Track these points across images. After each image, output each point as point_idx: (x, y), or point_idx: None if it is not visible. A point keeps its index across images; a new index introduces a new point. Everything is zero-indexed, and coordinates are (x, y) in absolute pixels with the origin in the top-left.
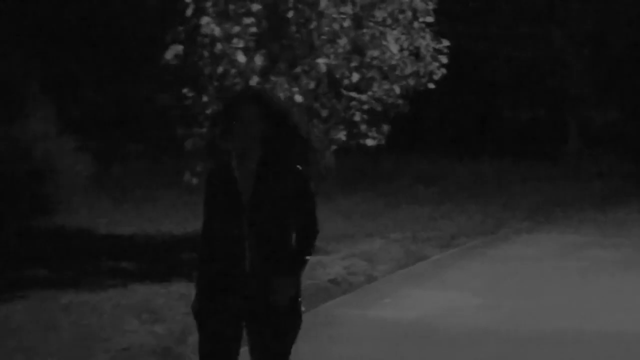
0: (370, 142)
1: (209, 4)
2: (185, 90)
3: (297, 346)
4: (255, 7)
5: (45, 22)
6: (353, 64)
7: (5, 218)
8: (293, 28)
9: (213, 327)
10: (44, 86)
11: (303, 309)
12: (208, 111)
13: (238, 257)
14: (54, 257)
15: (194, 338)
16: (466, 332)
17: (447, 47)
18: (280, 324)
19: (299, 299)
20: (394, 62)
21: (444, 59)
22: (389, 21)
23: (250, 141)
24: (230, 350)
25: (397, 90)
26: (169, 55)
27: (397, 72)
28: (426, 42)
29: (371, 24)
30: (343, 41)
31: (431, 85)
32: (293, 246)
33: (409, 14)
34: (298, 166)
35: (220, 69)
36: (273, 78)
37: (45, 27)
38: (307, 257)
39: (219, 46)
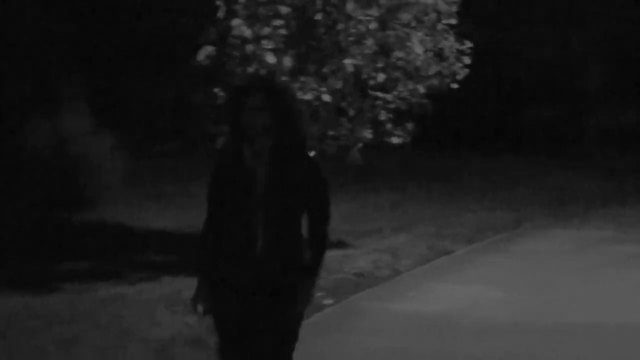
0: (395, 140)
1: (239, 7)
2: (216, 90)
3: (325, 337)
4: (285, 9)
5: (84, 23)
6: (379, 65)
7: (44, 212)
8: (321, 30)
9: (233, 325)
10: (82, 84)
11: (329, 301)
12: None
13: (249, 244)
14: (91, 251)
15: None
16: (488, 324)
17: (470, 48)
18: (288, 322)
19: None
20: (418, 63)
21: (467, 60)
22: (413, 23)
23: (260, 129)
24: (252, 346)
25: (422, 90)
26: (201, 55)
27: (422, 73)
28: (449, 43)
29: (396, 26)
30: (369, 42)
31: (454, 85)
32: (305, 240)
33: (433, 16)
34: (308, 153)
35: (250, 69)
36: (301, 78)
37: (84, 28)
38: (324, 255)
39: (249, 47)
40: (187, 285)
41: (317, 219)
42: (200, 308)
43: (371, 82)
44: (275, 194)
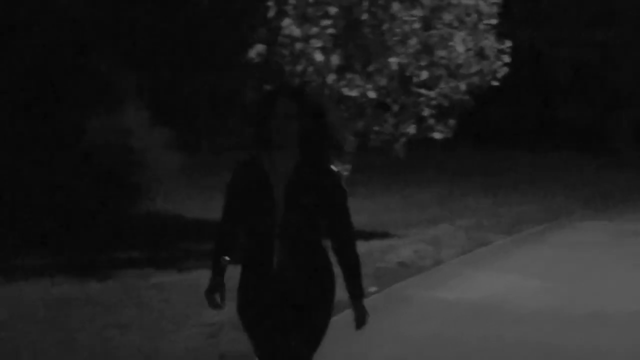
0: (437, 136)
1: (289, 7)
2: (267, 87)
3: (371, 323)
4: (333, 10)
5: (142, 22)
6: (422, 63)
7: (103, 204)
8: (367, 29)
9: (264, 329)
10: (140, 82)
11: (374, 288)
12: None
13: (266, 255)
14: (146, 240)
15: None
16: (526, 311)
17: (510, 47)
18: (312, 328)
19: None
20: (460, 61)
21: (507, 59)
22: (455, 23)
23: (287, 138)
24: (287, 344)
25: (463, 87)
26: (253, 53)
27: (463, 71)
28: (490, 42)
29: (439, 25)
30: (413, 42)
31: (494, 83)
32: (328, 255)
33: (475, 16)
34: (332, 166)
35: (299, 67)
36: (348, 75)
37: (141, 27)
38: (360, 272)
39: (298, 46)
40: (236, 273)
41: (342, 240)
42: (217, 299)
43: (415, 80)
44: (294, 207)
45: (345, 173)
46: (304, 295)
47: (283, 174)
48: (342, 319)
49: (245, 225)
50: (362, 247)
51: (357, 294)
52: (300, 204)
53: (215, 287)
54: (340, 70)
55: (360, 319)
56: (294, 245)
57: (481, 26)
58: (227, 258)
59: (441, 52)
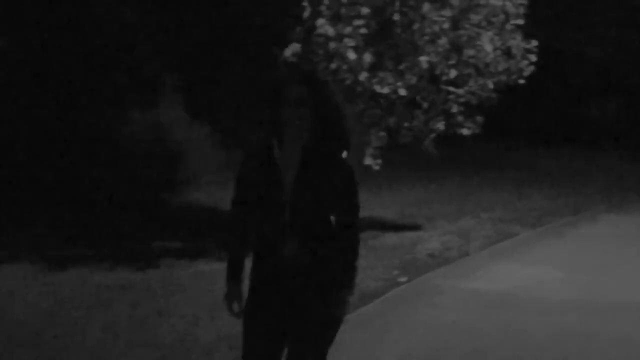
0: (465, 132)
1: (324, 8)
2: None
3: (401, 311)
4: (365, 10)
5: (182, 21)
6: (451, 62)
7: (144, 195)
8: (398, 29)
9: (259, 323)
10: (179, 77)
11: (404, 278)
12: None
13: (276, 245)
14: (185, 230)
15: None
16: (550, 302)
17: (536, 46)
18: (321, 327)
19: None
20: (488, 60)
21: (533, 58)
22: (483, 23)
23: (299, 124)
24: (274, 348)
25: (490, 85)
26: (288, 52)
27: (491, 69)
28: (517, 42)
29: (468, 25)
30: (443, 41)
31: (521, 81)
32: (341, 247)
33: (502, 17)
34: (343, 155)
35: (333, 65)
36: (380, 73)
37: (179, 24)
38: (356, 259)
39: (332, 45)
40: None
41: (345, 222)
42: (235, 307)
43: (444, 78)
44: (304, 196)
45: (376, 167)
46: (316, 282)
47: (293, 161)
48: (372, 308)
49: (256, 214)
50: (392, 238)
51: (350, 283)
52: (310, 190)
53: (232, 295)
54: (372, 69)
55: (343, 312)
56: (305, 231)
57: (508, 26)
58: (242, 262)
59: (469, 51)
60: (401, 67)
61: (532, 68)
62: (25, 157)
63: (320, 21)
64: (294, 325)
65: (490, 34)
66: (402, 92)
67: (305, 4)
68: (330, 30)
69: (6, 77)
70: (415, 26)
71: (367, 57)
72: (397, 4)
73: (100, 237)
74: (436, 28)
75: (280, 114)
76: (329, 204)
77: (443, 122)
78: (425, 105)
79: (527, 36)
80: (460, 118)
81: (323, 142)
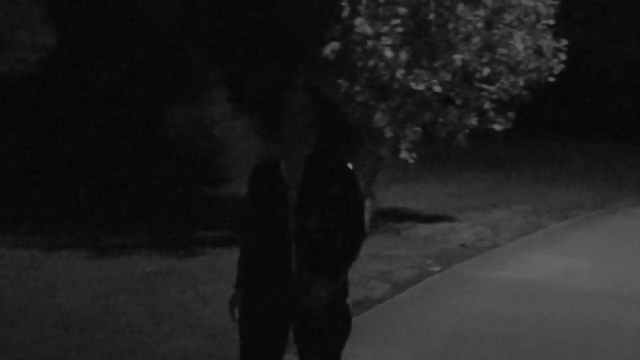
0: (497, 127)
1: (362, 7)
2: (340, 81)
3: (434, 299)
4: (402, 10)
5: (225, 18)
6: (484, 60)
7: (189, 186)
8: (433, 28)
9: (256, 329)
10: (223, 75)
11: (437, 268)
12: (359, 98)
13: (284, 259)
14: (227, 220)
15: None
16: (578, 291)
17: (566, 45)
18: (327, 330)
19: (347, 303)
20: (519, 59)
21: (563, 56)
22: (515, 23)
23: (301, 132)
24: (272, 353)
25: (522, 82)
26: (327, 50)
27: (522, 67)
28: (547, 41)
29: (500, 25)
30: (476, 40)
31: (551, 79)
32: (338, 248)
33: (533, 17)
34: (349, 164)
35: (370, 63)
36: (416, 71)
37: (225, 23)
38: (351, 260)
39: (370, 43)
40: None
41: (350, 237)
42: (237, 313)
43: (477, 75)
44: (311, 208)
45: (411, 161)
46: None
47: (298, 169)
48: (406, 296)
49: (261, 226)
50: (425, 229)
51: (331, 269)
52: (314, 201)
53: (235, 301)
54: (408, 66)
55: (317, 300)
56: (311, 244)
57: (539, 26)
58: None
59: (502, 50)
60: (436, 64)
61: (562, 66)
62: (76, 152)
63: (358, 20)
64: (297, 334)
65: (521, 33)
66: (437, 88)
67: (344, 3)
68: (368, 29)
69: (57, 74)
70: (450, 25)
71: (404, 55)
72: (433, 4)
73: (145, 227)
74: (470, 27)
75: (283, 121)
76: (334, 213)
77: (476, 118)
78: (458, 101)
79: (558, 35)
80: (492, 114)
81: (327, 148)
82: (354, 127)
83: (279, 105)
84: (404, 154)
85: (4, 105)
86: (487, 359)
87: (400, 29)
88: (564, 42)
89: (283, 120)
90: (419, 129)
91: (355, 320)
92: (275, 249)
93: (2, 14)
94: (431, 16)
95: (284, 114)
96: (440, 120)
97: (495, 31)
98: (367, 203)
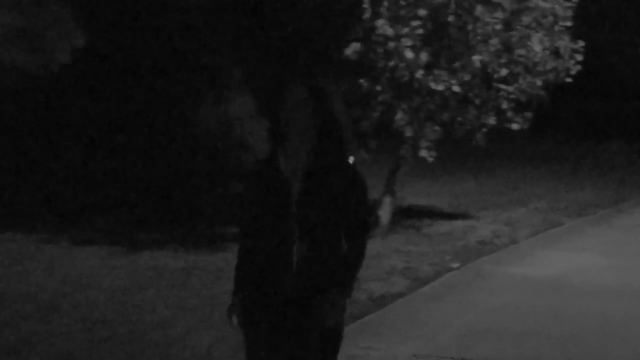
0: (515, 127)
1: (383, 9)
2: (361, 81)
3: (454, 294)
4: (422, 12)
5: (249, 19)
6: (502, 61)
7: (213, 183)
8: (453, 30)
9: (262, 332)
10: (244, 76)
11: (456, 264)
12: (380, 98)
13: (285, 259)
14: None
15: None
16: (594, 288)
17: (582, 47)
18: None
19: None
20: (537, 60)
21: (580, 57)
22: (533, 25)
23: (298, 128)
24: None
25: (539, 83)
26: (349, 51)
27: (540, 68)
28: (565, 42)
29: (518, 27)
30: (494, 41)
31: (568, 80)
32: (345, 251)
33: (551, 18)
34: (350, 158)
35: (391, 63)
36: (435, 71)
37: (248, 23)
38: (359, 268)
39: (390, 44)
40: None
41: (355, 229)
42: (235, 320)
43: (495, 76)
44: (312, 205)
45: (431, 159)
46: (322, 292)
47: (298, 167)
48: (426, 291)
49: (262, 226)
50: (444, 226)
51: (343, 284)
52: (317, 198)
53: (234, 308)
54: (428, 67)
55: (329, 316)
56: (313, 241)
57: (557, 28)
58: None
59: (520, 51)
60: (455, 65)
61: (578, 67)
62: (103, 149)
63: (379, 22)
64: (293, 331)
65: (539, 34)
66: (456, 88)
67: (365, 5)
68: (389, 31)
69: (86, 74)
70: (469, 27)
71: (424, 56)
72: (452, 6)
73: (171, 223)
74: (488, 29)
75: (280, 117)
76: (337, 211)
77: (494, 118)
78: (477, 101)
79: (575, 37)
80: (510, 114)
81: (328, 145)
82: (349, 124)
83: (277, 101)
84: (423, 153)
85: (34, 104)
86: (506, 353)
87: (420, 31)
88: (581, 43)
89: (281, 116)
90: (438, 128)
91: (376, 314)
92: (276, 247)
93: (32, 14)
94: (451, 18)
95: (281, 109)
96: (459, 119)
97: (513, 33)
98: (388, 200)
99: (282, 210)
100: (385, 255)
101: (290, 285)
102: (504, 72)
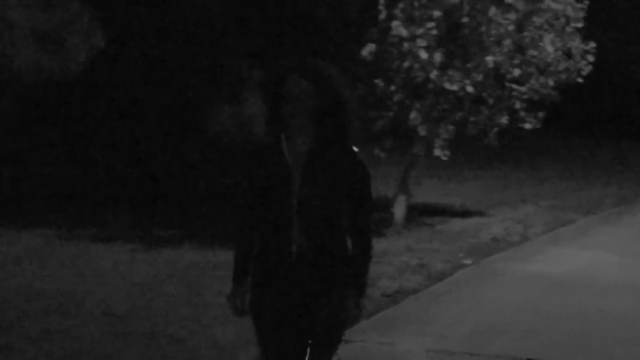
0: (527, 126)
1: (398, 11)
2: (377, 81)
3: (467, 290)
4: (436, 13)
5: (265, 19)
6: (515, 61)
7: (231, 181)
8: (466, 31)
9: (273, 321)
10: (262, 74)
11: (469, 261)
12: (395, 98)
13: (284, 243)
14: None
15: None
16: (604, 284)
17: (594, 48)
18: (325, 327)
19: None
20: (549, 60)
21: (591, 58)
22: (545, 26)
23: (302, 118)
24: (293, 342)
25: (551, 83)
26: (365, 52)
27: (552, 68)
28: (576, 43)
29: (531, 28)
30: (507, 42)
31: (579, 80)
32: (350, 249)
33: (562, 20)
34: (354, 148)
35: (406, 64)
36: (449, 72)
37: (265, 23)
38: (369, 262)
39: (405, 45)
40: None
41: (358, 224)
42: (239, 306)
43: (508, 76)
44: (313, 193)
45: (444, 158)
46: (324, 280)
47: (300, 155)
48: (440, 288)
49: (263, 212)
50: (457, 224)
51: (358, 283)
52: (319, 184)
53: (236, 294)
54: (442, 67)
55: (351, 315)
56: (313, 227)
57: (568, 29)
58: (248, 261)
59: (532, 52)
60: (469, 65)
61: (590, 68)
62: (124, 148)
63: (394, 23)
64: (301, 324)
65: (551, 36)
66: (469, 89)
67: (381, 7)
68: (403, 32)
69: (106, 75)
70: (482, 28)
71: (438, 57)
72: (466, 7)
73: (191, 220)
74: (502, 30)
75: (282, 108)
76: (339, 199)
77: (506, 117)
78: (490, 101)
79: (586, 38)
80: (522, 113)
81: (331, 134)
82: (353, 114)
83: (278, 91)
84: (437, 152)
85: (55, 102)
86: (518, 349)
87: (434, 32)
88: (592, 44)
89: (281, 106)
90: (452, 127)
91: (390, 310)
92: (276, 233)
93: (53, 14)
94: (464, 19)
95: (281, 100)
96: (473, 119)
97: (525, 34)
98: (402, 198)
99: (283, 197)
100: (398, 252)
101: (291, 276)
102: (516, 72)
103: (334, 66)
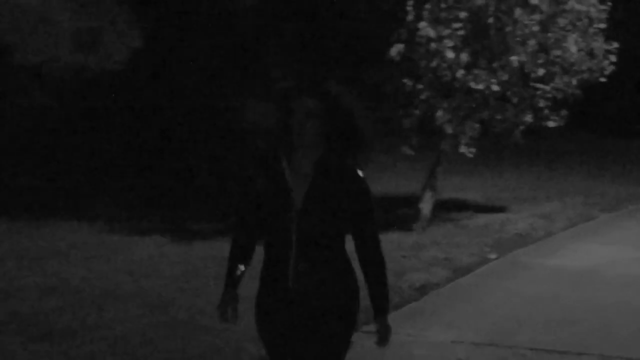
0: (551, 124)
1: (425, 12)
2: (405, 80)
3: (492, 284)
4: (463, 14)
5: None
6: (540, 61)
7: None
8: (492, 31)
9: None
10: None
11: (494, 255)
12: (422, 97)
13: (283, 266)
14: None
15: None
16: (626, 279)
17: (616, 48)
18: (332, 342)
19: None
20: (572, 60)
21: (613, 58)
22: (569, 27)
23: (307, 138)
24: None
25: (575, 82)
26: (393, 52)
27: (575, 68)
28: (599, 44)
29: (555, 29)
30: (532, 42)
31: (602, 79)
32: (350, 265)
33: (586, 21)
34: (359, 171)
35: (433, 63)
36: (475, 71)
37: (296, 26)
38: (387, 284)
39: (432, 45)
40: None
41: (366, 242)
42: (225, 316)
43: (532, 75)
44: (313, 214)
45: (470, 155)
46: (325, 305)
47: (303, 177)
48: (466, 281)
49: (262, 233)
50: (483, 219)
51: (381, 306)
52: (321, 209)
53: (227, 301)
54: (468, 67)
55: (383, 336)
56: (313, 252)
57: (591, 30)
58: (242, 267)
59: (556, 52)
60: (494, 65)
61: (612, 67)
62: (159, 144)
63: (422, 24)
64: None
65: (575, 36)
66: (495, 87)
67: (409, 8)
68: (431, 32)
69: (142, 74)
70: (508, 29)
71: (464, 56)
72: (492, 8)
73: (223, 215)
74: (526, 30)
75: (288, 126)
76: (340, 218)
77: (531, 115)
78: (515, 100)
79: (609, 38)
80: (546, 112)
81: (336, 156)
82: (366, 133)
83: (287, 111)
84: (463, 149)
85: (96, 101)
86: (542, 341)
87: (461, 32)
88: (615, 44)
89: (289, 126)
90: (477, 125)
91: (417, 303)
92: (276, 255)
93: (91, 15)
94: (490, 20)
95: (290, 120)
96: (498, 117)
97: (550, 34)
98: (429, 194)
99: (283, 210)
100: (425, 247)
101: (287, 299)
102: (541, 71)
103: (347, 89)
